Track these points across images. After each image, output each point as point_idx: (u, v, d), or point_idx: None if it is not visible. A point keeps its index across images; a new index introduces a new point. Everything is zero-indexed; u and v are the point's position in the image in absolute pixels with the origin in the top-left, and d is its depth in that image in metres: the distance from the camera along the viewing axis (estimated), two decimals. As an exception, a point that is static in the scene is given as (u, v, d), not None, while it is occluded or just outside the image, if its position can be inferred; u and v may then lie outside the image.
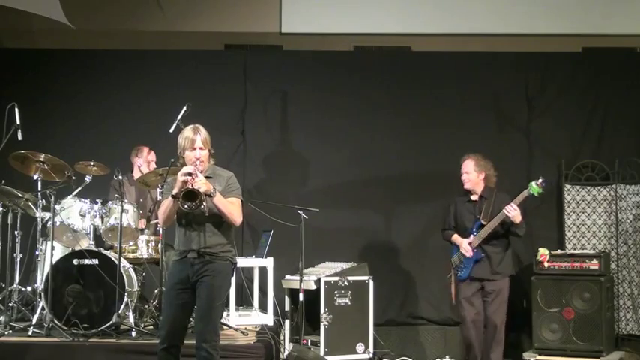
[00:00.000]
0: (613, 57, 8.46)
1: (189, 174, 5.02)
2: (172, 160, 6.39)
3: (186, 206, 4.97)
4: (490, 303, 6.65)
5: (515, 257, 8.07)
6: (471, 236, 6.69)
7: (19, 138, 6.51)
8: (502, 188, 6.90)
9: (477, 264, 6.66)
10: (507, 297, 6.73)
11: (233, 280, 6.72)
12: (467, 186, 6.80)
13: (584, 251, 7.69)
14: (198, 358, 5.09)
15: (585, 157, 8.22)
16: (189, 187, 4.98)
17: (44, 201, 6.84)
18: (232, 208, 5.18)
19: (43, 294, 6.50)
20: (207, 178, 5.13)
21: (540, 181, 6.52)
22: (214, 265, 5.13)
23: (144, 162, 7.50)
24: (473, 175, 6.77)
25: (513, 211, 6.47)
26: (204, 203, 5.02)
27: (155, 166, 7.45)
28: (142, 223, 7.20)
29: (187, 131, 5.22)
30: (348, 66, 8.53)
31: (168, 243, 7.09)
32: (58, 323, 6.36)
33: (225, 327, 6.78)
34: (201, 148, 5.17)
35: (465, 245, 6.68)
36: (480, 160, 6.79)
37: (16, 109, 6.55)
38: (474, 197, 6.81)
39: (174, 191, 5.04)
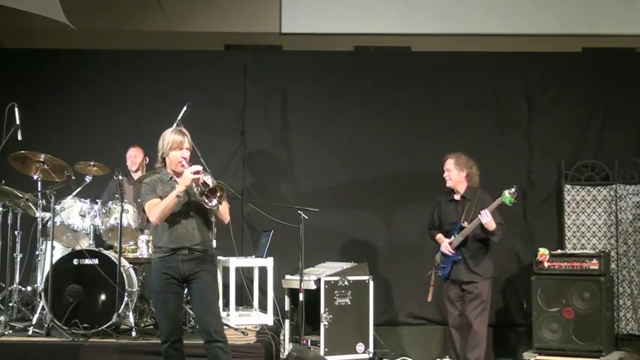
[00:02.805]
0: (613, 57, 8.46)
1: (199, 172, 5.09)
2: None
3: (213, 202, 5.05)
4: (468, 304, 6.64)
5: (514, 257, 8.13)
6: (452, 237, 6.71)
7: (19, 138, 6.50)
8: (487, 187, 6.87)
9: (455, 265, 6.68)
10: (489, 299, 6.71)
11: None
12: (448, 184, 6.81)
13: (584, 251, 7.69)
14: (211, 350, 5.13)
15: (585, 157, 8.22)
16: (210, 183, 5.07)
17: (44, 201, 6.84)
18: (226, 206, 5.28)
19: (43, 294, 6.50)
20: None
21: (513, 190, 6.51)
22: (205, 262, 5.22)
23: (127, 158, 7.56)
24: (454, 173, 6.77)
25: (486, 218, 6.47)
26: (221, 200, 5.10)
27: (140, 162, 7.54)
28: None
29: (173, 134, 5.26)
30: (348, 66, 8.53)
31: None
32: (58, 323, 6.36)
33: (225, 327, 6.77)
34: (187, 149, 5.25)
35: (445, 244, 6.72)
36: (461, 158, 6.80)
37: (16, 109, 6.55)
38: (456, 197, 6.82)
39: (180, 188, 5.07)
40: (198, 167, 5.14)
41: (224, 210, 5.24)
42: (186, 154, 5.24)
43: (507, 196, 6.51)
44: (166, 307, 5.22)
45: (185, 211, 5.19)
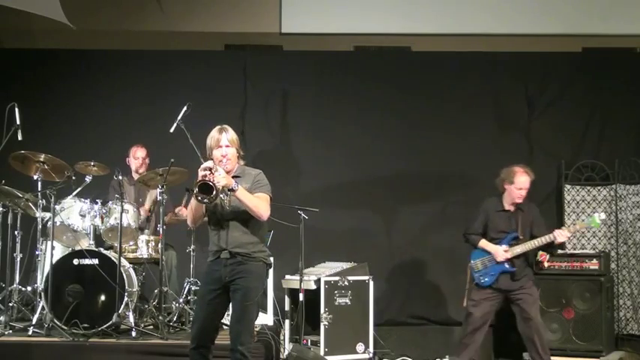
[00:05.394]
0: (613, 57, 8.47)
1: (209, 168, 4.99)
2: (172, 160, 6.42)
3: (203, 199, 4.94)
4: (531, 306, 6.50)
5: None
6: (504, 246, 6.56)
7: (19, 138, 6.50)
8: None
9: (502, 275, 6.53)
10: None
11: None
12: (520, 201, 6.62)
13: (584, 251, 7.70)
14: (232, 358, 5.07)
15: (585, 157, 8.22)
16: (205, 180, 4.95)
17: (44, 201, 6.83)
18: (257, 201, 5.14)
19: (43, 294, 6.49)
20: (235, 177, 5.10)
21: (604, 217, 6.58)
22: (247, 267, 5.11)
23: (133, 158, 7.52)
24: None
25: (563, 238, 6.45)
26: (221, 195, 4.99)
27: (143, 161, 7.48)
28: (144, 212, 7.24)
29: (213, 132, 5.21)
30: (348, 66, 8.53)
31: (168, 243, 7.11)
32: (58, 323, 6.35)
33: (225, 327, 6.77)
34: (227, 146, 5.15)
35: (502, 252, 6.52)
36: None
37: (16, 109, 6.54)
38: (509, 207, 6.65)
39: (195, 188, 5.01)
40: (210, 164, 5.02)
41: (255, 206, 5.10)
42: (226, 151, 5.13)
43: (597, 222, 6.50)
44: (198, 312, 5.23)
45: (220, 212, 5.11)
